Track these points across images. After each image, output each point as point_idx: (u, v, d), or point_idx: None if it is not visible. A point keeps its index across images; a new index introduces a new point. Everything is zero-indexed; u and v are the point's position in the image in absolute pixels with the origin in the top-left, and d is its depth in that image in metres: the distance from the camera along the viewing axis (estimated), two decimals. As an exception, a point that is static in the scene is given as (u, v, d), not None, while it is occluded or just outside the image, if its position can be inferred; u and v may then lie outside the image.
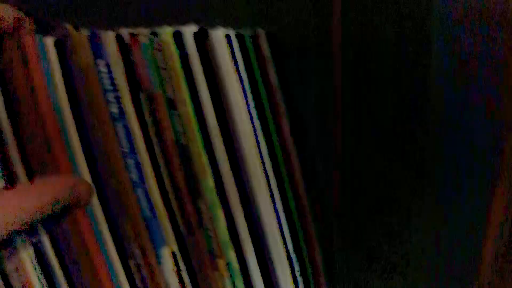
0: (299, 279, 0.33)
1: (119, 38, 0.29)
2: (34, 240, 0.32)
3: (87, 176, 0.30)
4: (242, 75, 0.29)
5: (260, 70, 0.29)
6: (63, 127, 0.29)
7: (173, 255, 0.32)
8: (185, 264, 0.32)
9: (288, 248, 0.32)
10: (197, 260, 0.32)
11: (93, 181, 0.30)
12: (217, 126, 0.29)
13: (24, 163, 0.30)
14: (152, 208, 0.31)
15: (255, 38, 0.29)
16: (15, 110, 0.29)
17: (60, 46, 0.28)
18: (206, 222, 0.31)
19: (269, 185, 0.30)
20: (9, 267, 0.32)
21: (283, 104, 0.30)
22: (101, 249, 0.32)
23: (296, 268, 0.33)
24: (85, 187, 0.30)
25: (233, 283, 0.33)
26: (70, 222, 0.31)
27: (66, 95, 0.29)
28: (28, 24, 0.28)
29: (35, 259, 0.32)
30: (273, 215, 0.31)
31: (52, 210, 0.27)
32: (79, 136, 0.29)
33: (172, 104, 0.29)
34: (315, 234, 0.32)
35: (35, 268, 0.33)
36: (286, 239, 0.32)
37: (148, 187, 0.30)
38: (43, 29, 0.29)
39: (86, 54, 0.28)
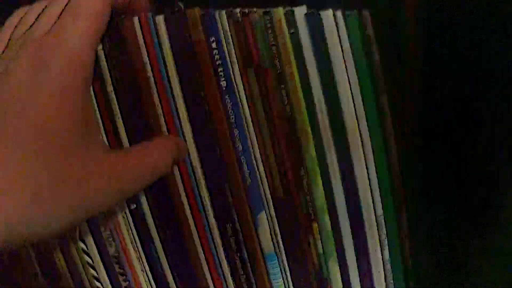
0: (386, 243, 0.49)
1: (231, 16, 0.40)
2: (132, 206, 0.47)
3: (192, 142, 0.45)
4: (346, 53, 0.43)
5: (365, 50, 0.44)
6: (172, 98, 0.44)
7: (270, 219, 0.48)
8: (280, 228, 0.49)
9: (377, 215, 0.48)
10: (292, 225, 0.48)
11: (198, 148, 0.45)
12: (323, 100, 0.44)
13: (128, 133, 0.45)
14: (253, 175, 0.46)
15: (361, 19, 0.44)
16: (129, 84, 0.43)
17: (172, 22, 0.43)
18: (305, 188, 0.47)
19: (365, 157, 0.46)
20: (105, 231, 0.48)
21: (383, 79, 0.45)
22: (200, 212, 0.48)
23: (383, 233, 0.49)
24: (182, 146, 0.40)
25: (324, 247, 0.49)
26: (172, 183, 0.46)
27: (176, 70, 0.44)
28: (143, 2, 0.43)
29: (132, 222, 0.48)
30: (367, 185, 0.47)
31: (156, 175, 0.38)
32: (187, 108, 0.45)
33: (280, 79, 0.44)
34: (405, 207, 0.48)
35: (131, 231, 0.49)
36: (377, 208, 0.48)
37: (251, 155, 0.45)
38: (157, 7, 0.43)
39: (199, 31, 0.42)
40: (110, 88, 0.39)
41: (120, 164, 0.34)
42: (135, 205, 0.42)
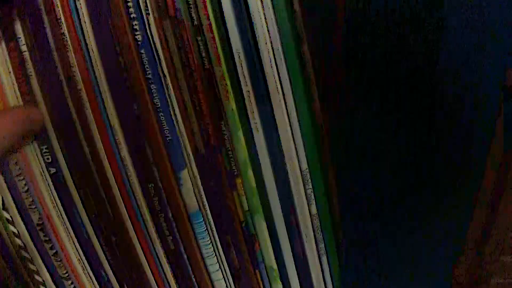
0: (313, 198, 0.49)
1: None
2: (52, 171, 0.46)
3: (109, 100, 0.44)
4: (265, 1, 0.42)
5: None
6: (87, 55, 0.43)
7: (192, 176, 0.47)
8: (203, 185, 0.48)
9: (302, 169, 0.48)
10: (216, 181, 0.47)
11: (116, 106, 0.44)
12: (242, 51, 0.42)
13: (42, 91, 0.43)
14: (173, 131, 0.45)
15: None
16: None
17: None
18: (227, 143, 0.46)
19: (286, 107, 0.45)
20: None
21: (303, 27, 0.44)
22: (122, 173, 0.47)
23: (309, 187, 0.49)
24: (37, 115, 0.39)
25: (249, 203, 0.49)
26: (91, 144, 0.43)
27: (90, 23, 0.42)
28: None
29: (53, 187, 0.47)
30: (290, 138, 0.46)
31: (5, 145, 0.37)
32: (102, 63, 0.43)
33: (197, 30, 0.43)
34: (331, 159, 0.48)
35: (52, 196, 0.47)
36: (301, 162, 0.48)
37: (171, 111, 0.44)
38: None
39: None
40: (24, 47, 0.39)
41: None
42: (54, 169, 0.42)
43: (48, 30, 0.38)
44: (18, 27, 0.37)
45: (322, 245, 0.45)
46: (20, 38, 0.38)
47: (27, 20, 0.37)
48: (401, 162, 0.42)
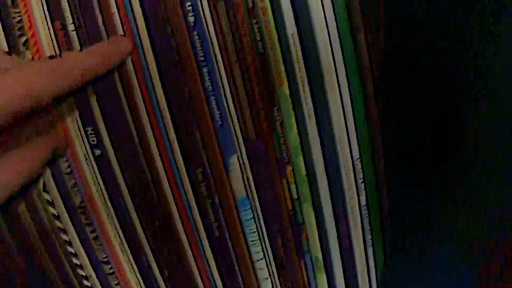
0: (363, 188, 0.48)
1: None
2: (97, 153, 0.45)
3: (159, 82, 0.43)
4: None
5: None
6: (138, 38, 0.41)
7: (242, 162, 0.46)
8: (252, 171, 0.47)
9: (354, 159, 0.46)
10: (265, 168, 0.46)
11: (165, 88, 0.43)
12: (297, 36, 0.41)
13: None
14: (224, 116, 0.44)
15: None
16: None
17: None
18: (278, 129, 0.45)
19: (341, 95, 0.44)
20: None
21: (361, 15, 0.43)
22: (169, 157, 0.46)
23: (360, 177, 0.47)
24: (127, 43, 0.38)
25: (299, 190, 0.47)
26: (139, 127, 0.43)
27: (140, 4, 0.40)
28: None
29: (98, 170, 0.46)
30: (344, 127, 0.45)
31: (101, 70, 0.36)
32: (152, 45, 0.42)
33: (251, 13, 0.41)
34: (383, 151, 0.46)
35: (96, 179, 0.46)
36: (353, 151, 0.46)
37: (221, 95, 0.43)
38: None
39: None
40: (72, 27, 0.38)
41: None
42: (99, 152, 0.41)
43: (96, 9, 0.37)
44: (65, 4, 0.37)
45: (369, 237, 0.44)
46: (67, 16, 0.37)
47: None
48: (452, 152, 0.40)
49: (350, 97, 0.38)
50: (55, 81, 0.31)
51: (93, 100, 0.39)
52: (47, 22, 0.36)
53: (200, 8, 0.35)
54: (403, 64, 0.38)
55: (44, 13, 0.36)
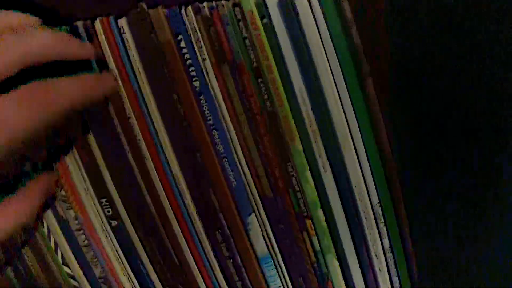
0: (385, 231, 0.46)
1: (198, 12, 0.36)
2: (114, 223, 0.44)
3: (170, 150, 0.41)
4: (325, 39, 0.39)
5: (344, 33, 0.40)
6: (144, 106, 0.40)
7: (260, 220, 0.44)
8: (272, 228, 0.45)
9: (373, 204, 0.45)
10: (285, 223, 0.44)
11: (177, 155, 0.41)
12: (305, 90, 0.40)
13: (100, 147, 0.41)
14: (238, 177, 0.42)
15: (337, 1, 0.40)
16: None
17: (136, 25, 0.39)
18: (294, 184, 0.43)
19: (354, 143, 0.42)
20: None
21: (367, 65, 0.41)
22: (187, 222, 0.44)
23: (381, 221, 0.45)
24: (110, 80, 0.34)
25: (321, 242, 0.45)
26: (154, 195, 0.42)
27: (145, 73, 0.39)
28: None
29: (116, 240, 0.44)
30: (359, 174, 0.43)
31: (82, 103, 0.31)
32: (160, 113, 0.40)
33: (257, 72, 0.40)
34: (401, 191, 0.44)
35: (115, 249, 0.45)
36: (372, 196, 0.44)
37: (234, 156, 0.41)
38: (119, 9, 0.39)
39: (165, 31, 0.38)
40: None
41: None
42: (116, 222, 0.39)
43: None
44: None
45: (396, 279, 0.41)
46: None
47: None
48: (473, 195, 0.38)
49: (364, 144, 0.36)
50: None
51: (105, 170, 0.37)
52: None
53: (204, 72, 0.34)
54: (412, 102, 0.36)
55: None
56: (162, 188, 0.38)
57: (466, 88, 0.36)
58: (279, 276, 0.42)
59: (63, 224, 0.40)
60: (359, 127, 0.36)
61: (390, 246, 0.40)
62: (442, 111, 0.37)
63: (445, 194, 0.40)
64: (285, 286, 0.42)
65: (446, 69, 0.36)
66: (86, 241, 0.40)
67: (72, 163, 0.37)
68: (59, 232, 0.40)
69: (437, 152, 0.38)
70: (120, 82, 0.34)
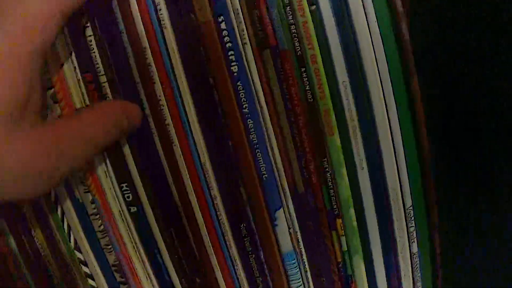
0: (415, 236, 0.44)
1: None
2: (132, 209, 0.41)
3: (201, 136, 0.38)
4: (373, 32, 0.36)
5: (394, 27, 0.34)
6: (177, 88, 0.37)
7: (289, 216, 0.42)
8: (300, 225, 0.42)
9: (406, 207, 0.42)
10: (314, 220, 0.42)
11: (207, 142, 0.36)
12: (349, 84, 0.37)
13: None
14: (270, 169, 0.39)
15: None
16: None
17: (174, 2, 0.36)
18: (328, 180, 0.41)
19: (393, 143, 0.40)
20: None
21: (413, 59, 0.38)
22: (212, 214, 0.41)
23: (412, 225, 0.43)
24: (136, 110, 0.34)
25: (349, 243, 0.43)
26: (178, 181, 0.38)
27: (180, 54, 0.36)
28: None
29: (134, 227, 0.42)
30: (396, 175, 0.41)
31: (111, 135, 0.32)
32: (193, 97, 0.38)
33: (300, 61, 0.37)
34: (435, 197, 0.42)
35: (132, 237, 0.42)
36: (406, 199, 0.42)
37: (268, 147, 0.37)
38: None
39: (205, 10, 0.34)
40: (103, 79, 0.34)
41: (46, 136, 0.29)
42: (135, 208, 0.37)
43: (131, 60, 0.34)
44: (97, 57, 0.33)
45: (419, 284, 0.39)
46: (98, 68, 0.34)
47: (106, 48, 0.33)
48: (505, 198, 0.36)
49: (403, 145, 0.34)
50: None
51: (128, 154, 0.36)
52: (76, 74, 0.33)
53: (243, 56, 0.33)
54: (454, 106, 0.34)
55: (74, 65, 0.33)
56: (188, 176, 0.36)
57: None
58: (301, 274, 0.40)
59: (79, 207, 0.38)
60: (400, 127, 0.34)
61: (418, 251, 0.38)
62: (478, 114, 0.35)
63: (478, 205, 0.38)
64: (307, 285, 0.41)
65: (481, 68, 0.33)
66: (102, 227, 0.38)
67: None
68: (74, 215, 0.38)
69: (473, 158, 0.36)
70: (151, 60, 0.33)
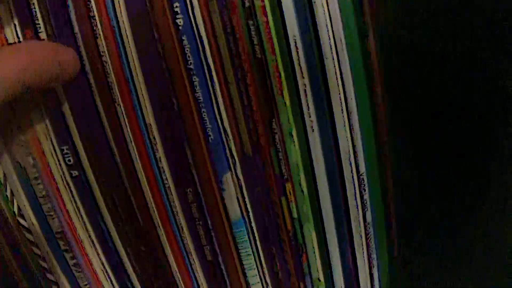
0: (369, 204, 0.42)
1: None
2: (74, 174, 0.39)
3: (145, 94, 0.36)
4: None
5: None
6: (121, 43, 0.35)
7: (236, 181, 0.39)
8: (248, 190, 0.40)
9: (360, 173, 0.40)
10: (263, 186, 0.39)
11: (152, 100, 0.35)
12: (300, 38, 0.35)
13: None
14: (217, 130, 0.37)
15: None
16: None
17: None
18: (278, 143, 0.38)
19: (347, 104, 0.38)
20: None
21: (370, 15, 0.36)
22: (156, 176, 0.39)
23: (366, 193, 0.41)
24: (70, 55, 0.31)
25: (299, 210, 0.41)
26: (120, 142, 0.35)
27: (126, 8, 0.34)
28: None
29: (76, 192, 0.39)
30: (349, 138, 0.39)
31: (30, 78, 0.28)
32: (138, 52, 0.35)
33: (248, 13, 0.34)
34: (391, 164, 0.41)
35: (74, 202, 0.40)
36: (360, 165, 0.40)
37: (214, 106, 0.36)
38: None
39: None
40: (44, 35, 0.32)
41: None
42: (76, 172, 0.35)
43: (72, 13, 0.31)
44: (36, 11, 0.31)
45: (374, 256, 0.37)
46: (38, 24, 0.31)
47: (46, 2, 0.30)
48: (467, 170, 0.35)
49: (357, 106, 0.32)
50: None
51: (69, 115, 0.33)
52: (16, 32, 0.31)
53: (189, 9, 0.30)
54: (411, 67, 0.33)
55: (13, 22, 0.31)
56: (131, 137, 0.34)
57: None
58: (250, 243, 0.38)
59: (20, 171, 0.35)
60: (354, 86, 0.32)
61: (372, 221, 0.36)
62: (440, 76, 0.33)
63: (435, 172, 0.36)
64: (256, 254, 0.39)
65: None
66: (44, 192, 0.36)
67: (33, 106, 0.32)
68: (16, 180, 0.35)
69: (429, 122, 0.34)
70: (95, 12, 0.31)
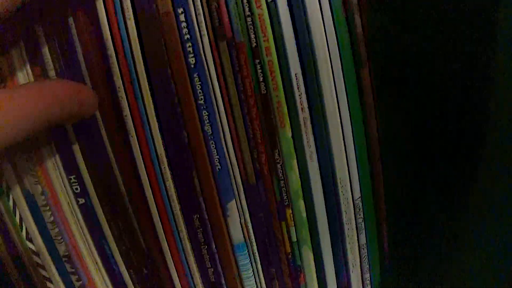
0: (363, 227, 0.44)
1: None
2: (80, 201, 0.40)
3: (156, 127, 0.38)
4: (327, 24, 0.35)
5: (348, 21, 0.34)
6: (136, 78, 0.37)
7: (240, 207, 0.42)
8: (251, 216, 0.42)
9: (355, 198, 0.43)
10: (265, 212, 0.41)
11: (163, 132, 0.35)
12: (301, 77, 0.37)
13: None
14: (223, 160, 0.39)
15: None
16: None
17: None
18: (280, 172, 0.41)
19: (344, 137, 0.40)
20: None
21: (366, 54, 0.39)
22: (165, 204, 0.40)
23: (360, 216, 0.44)
24: (90, 95, 0.31)
25: (298, 233, 0.43)
26: (126, 166, 0.37)
27: (140, 44, 0.36)
28: None
29: (82, 218, 0.41)
30: (345, 166, 0.40)
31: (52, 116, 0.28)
32: (150, 86, 0.37)
33: (255, 53, 0.35)
34: (383, 188, 0.43)
35: (81, 228, 0.41)
36: (354, 190, 0.41)
37: (221, 138, 0.35)
38: None
39: (166, 2, 0.32)
40: (52, 73, 0.33)
41: None
42: (83, 200, 0.37)
43: (79, 54, 0.33)
44: (45, 50, 0.32)
45: (367, 276, 0.40)
46: (47, 62, 0.33)
47: (55, 41, 0.32)
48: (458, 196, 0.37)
49: (353, 137, 0.35)
50: None
51: (76, 146, 0.35)
52: (26, 70, 0.32)
53: (201, 49, 0.33)
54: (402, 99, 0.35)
55: (23, 58, 0.32)
56: (143, 165, 0.36)
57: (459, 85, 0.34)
58: (252, 265, 0.40)
59: (29, 199, 0.36)
60: (351, 120, 0.35)
61: (366, 243, 0.39)
62: (429, 107, 0.35)
63: (427, 198, 0.38)
64: (257, 276, 0.41)
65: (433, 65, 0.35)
66: (52, 218, 0.37)
67: (42, 137, 0.34)
68: (25, 206, 0.37)
69: (423, 154, 0.37)
70: (113, 53, 0.32)
